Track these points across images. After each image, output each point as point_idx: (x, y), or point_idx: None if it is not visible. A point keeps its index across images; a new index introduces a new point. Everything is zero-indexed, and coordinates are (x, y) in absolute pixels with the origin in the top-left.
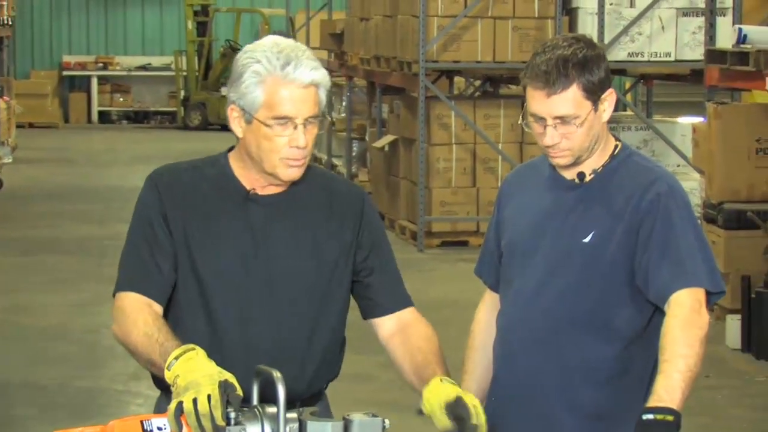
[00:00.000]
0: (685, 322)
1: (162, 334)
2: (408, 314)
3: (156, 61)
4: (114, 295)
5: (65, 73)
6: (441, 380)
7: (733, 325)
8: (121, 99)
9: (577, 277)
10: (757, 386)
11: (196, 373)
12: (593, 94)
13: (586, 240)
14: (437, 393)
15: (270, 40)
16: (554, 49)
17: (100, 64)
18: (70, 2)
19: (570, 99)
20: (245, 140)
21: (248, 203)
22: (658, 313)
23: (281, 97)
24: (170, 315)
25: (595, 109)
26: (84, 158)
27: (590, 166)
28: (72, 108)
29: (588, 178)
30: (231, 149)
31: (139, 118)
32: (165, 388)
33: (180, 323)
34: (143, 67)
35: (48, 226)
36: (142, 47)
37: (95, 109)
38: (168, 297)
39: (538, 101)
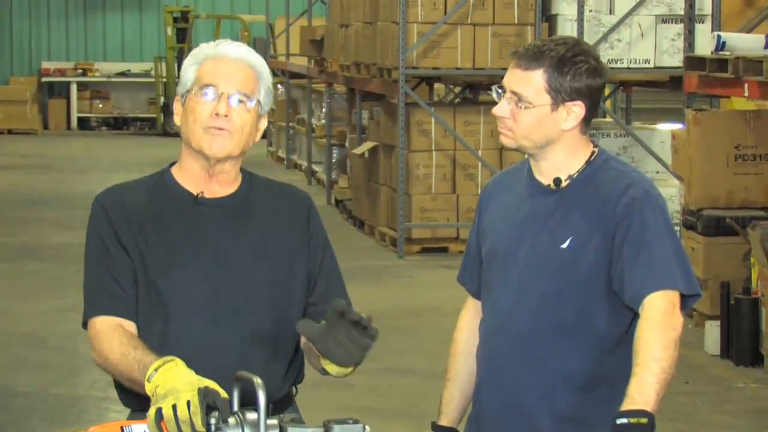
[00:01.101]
0: (659, 324)
1: (138, 351)
2: None
3: (135, 67)
4: (84, 325)
5: (44, 79)
6: None
7: (713, 331)
8: (101, 105)
9: (556, 283)
10: (736, 392)
11: (176, 381)
12: (556, 92)
13: (564, 246)
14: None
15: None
16: (550, 41)
17: (80, 71)
18: (50, 8)
19: (531, 81)
20: (182, 127)
21: (197, 208)
22: (636, 318)
23: (208, 68)
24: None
25: (553, 109)
26: (63, 165)
27: (565, 171)
28: (51, 114)
29: (564, 184)
30: (173, 164)
31: (118, 124)
32: (134, 407)
33: (144, 337)
34: (123, 74)
35: (27, 233)
36: (122, 53)
37: (74, 115)
38: (136, 312)
39: (508, 72)
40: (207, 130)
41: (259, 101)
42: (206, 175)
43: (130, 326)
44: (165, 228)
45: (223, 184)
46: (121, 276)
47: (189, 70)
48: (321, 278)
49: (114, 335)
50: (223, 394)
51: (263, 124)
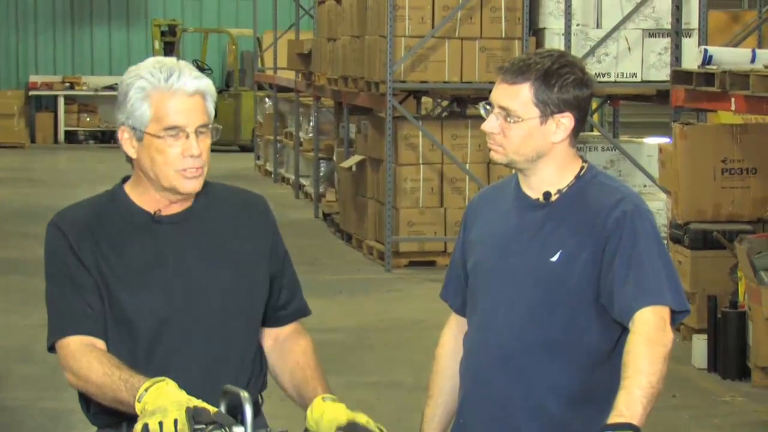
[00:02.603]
0: (649, 339)
1: (123, 371)
2: (294, 324)
3: None
4: (51, 348)
5: (32, 92)
6: (323, 399)
7: (700, 344)
8: (88, 119)
9: (545, 298)
10: (723, 406)
11: (165, 399)
12: (544, 105)
13: (554, 259)
14: (324, 415)
15: (152, 59)
16: (535, 54)
17: (67, 84)
18: (37, 22)
19: (518, 96)
20: (139, 160)
21: (154, 226)
22: (625, 333)
23: (169, 107)
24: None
25: (542, 122)
26: (50, 178)
27: (554, 185)
28: (38, 128)
29: (553, 198)
30: (125, 180)
31: (106, 138)
32: (101, 425)
33: (112, 354)
34: (110, 87)
35: (13, 247)
36: (109, 67)
37: (62, 128)
38: (105, 327)
39: (495, 88)
40: (180, 173)
41: (212, 119)
42: (167, 201)
43: (101, 344)
44: (123, 247)
45: (180, 203)
46: (88, 294)
47: (140, 104)
48: (285, 284)
49: (91, 355)
50: (213, 411)
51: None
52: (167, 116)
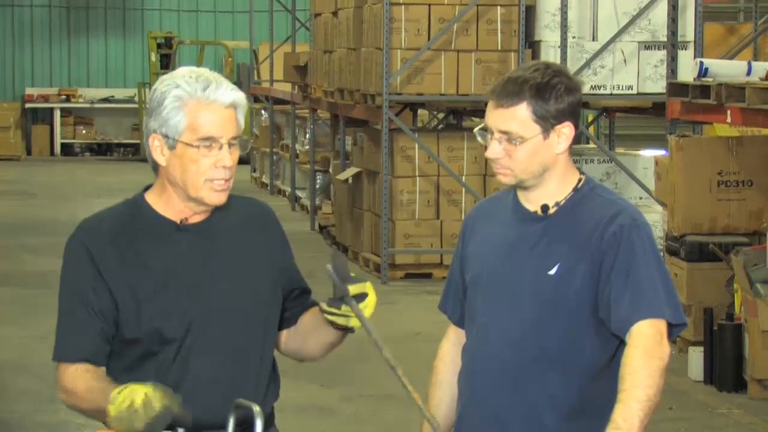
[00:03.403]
0: (646, 352)
1: (102, 382)
2: None
3: (119, 93)
4: (55, 360)
5: (28, 105)
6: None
7: (696, 357)
8: (84, 131)
9: (543, 311)
10: (720, 418)
11: (134, 388)
12: (544, 120)
13: (552, 273)
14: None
15: (186, 69)
16: (522, 70)
17: (63, 97)
18: (33, 34)
19: (516, 117)
20: (168, 168)
21: (179, 235)
22: (622, 346)
23: (205, 118)
24: (124, 358)
25: (544, 137)
26: (46, 191)
27: (552, 198)
28: (35, 140)
29: (551, 211)
30: (146, 189)
31: (102, 150)
32: None
33: (132, 367)
34: (106, 100)
35: (8, 259)
36: (105, 79)
37: (58, 141)
38: (108, 354)
39: (489, 113)
40: (209, 183)
41: (243, 135)
42: (191, 211)
43: (99, 371)
44: (150, 257)
45: (201, 213)
46: (98, 317)
47: (175, 113)
48: (296, 291)
49: (84, 375)
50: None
51: None
52: (203, 127)
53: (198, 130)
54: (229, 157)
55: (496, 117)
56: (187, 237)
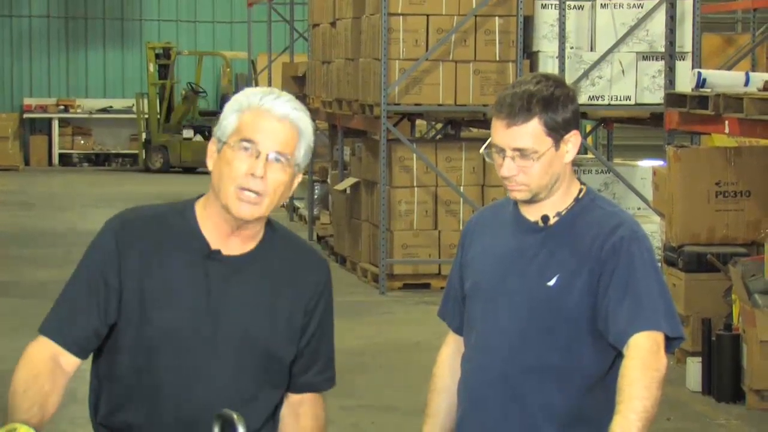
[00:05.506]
0: (644, 364)
1: (21, 400)
2: (311, 395)
3: (117, 103)
4: (39, 332)
5: (26, 115)
6: None
7: (694, 367)
8: (83, 141)
9: (541, 321)
10: (718, 429)
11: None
12: (555, 131)
13: (551, 283)
14: None
15: (267, 88)
16: (522, 84)
17: (61, 107)
18: (32, 44)
19: (529, 132)
20: (213, 172)
21: (209, 261)
22: (620, 357)
23: (251, 121)
24: (114, 365)
25: (556, 148)
26: (44, 201)
27: (554, 208)
28: (33, 150)
29: (552, 221)
30: (201, 196)
31: (100, 160)
32: None
33: (121, 376)
34: (104, 110)
35: (6, 270)
36: (104, 90)
37: (56, 151)
38: (89, 351)
39: (499, 132)
40: (239, 191)
41: (297, 162)
42: (229, 228)
43: (66, 361)
44: (172, 274)
45: (244, 239)
46: (96, 310)
47: (231, 116)
48: (306, 353)
49: (33, 368)
50: None
51: (297, 180)
52: (246, 128)
53: (242, 131)
54: (261, 167)
55: (509, 135)
56: (215, 265)
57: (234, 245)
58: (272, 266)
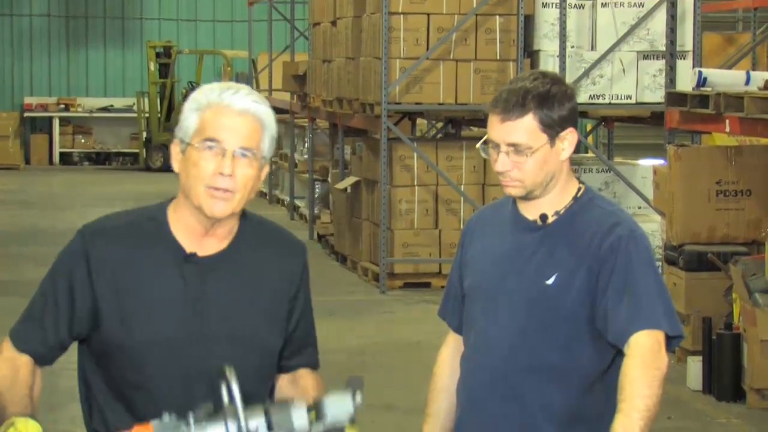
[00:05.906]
0: (645, 362)
1: (10, 394)
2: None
3: (118, 102)
4: (7, 336)
5: (27, 114)
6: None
7: (694, 366)
8: (83, 140)
9: (540, 319)
10: (718, 428)
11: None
12: (550, 128)
13: (549, 282)
14: None
15: (222, 82)
16: (519, 81)
17: (62, 106)
18: (32, 43)
19: (524, 128)
20: (180, 174)
21: (186, 265)
22: (619, 355)
23: (213, 120)
24: (102, 377)
25: (551, 145)
26: (45, 200)
27: (552, 207)
28: (33, 149)
29: (550, 220)
30: (173, 199)
31: (100, 159)
32: None
33: (112, 387)
34: (105, 109)
35: (6, 269)
36: (104, 89)
37: (57, 150)
38: (52, 360)
39: (494, 127)
40: (209, 190)
41: (263, 155)
42: (202, 229)
43: (35, 367)
44: (149, 282)
45: (218, 238)
46: (63, 320)
47: (191, 115)
48: (294, 338)
49: (14, 376)
50: None
51: (265, 172)
52: (209, 128)
53: (204, 131)
54: (229, 164)
55: (503, 130)
56: (192, 268)
57: (209, 245)
58: (249, 260)
